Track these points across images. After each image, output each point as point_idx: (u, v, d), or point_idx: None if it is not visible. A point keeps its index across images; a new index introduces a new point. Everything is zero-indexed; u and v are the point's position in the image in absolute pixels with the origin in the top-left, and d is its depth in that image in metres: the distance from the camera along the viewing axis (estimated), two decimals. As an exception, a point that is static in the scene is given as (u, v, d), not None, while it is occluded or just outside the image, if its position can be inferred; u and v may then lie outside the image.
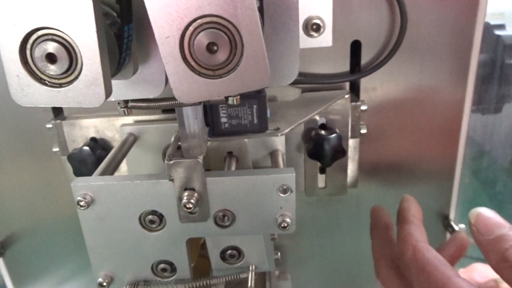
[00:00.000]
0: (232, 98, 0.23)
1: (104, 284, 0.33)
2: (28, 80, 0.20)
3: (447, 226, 0.50)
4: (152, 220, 0.32)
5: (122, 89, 0.26)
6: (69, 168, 0.42)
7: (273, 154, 0.41)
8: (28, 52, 0.20)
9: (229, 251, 0.35)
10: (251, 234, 0.33)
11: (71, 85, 0.20)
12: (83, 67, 0.20)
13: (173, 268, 0.34)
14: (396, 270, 0.37)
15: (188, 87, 0.21)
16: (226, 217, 0.32)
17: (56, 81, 0.20)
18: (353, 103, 0.43)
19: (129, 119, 0.43)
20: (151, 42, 0.24)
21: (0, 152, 0.46)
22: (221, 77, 0.21)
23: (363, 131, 0.44)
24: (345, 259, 0.53)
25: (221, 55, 0.20)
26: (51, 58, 0.19)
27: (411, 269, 0.33)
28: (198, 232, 0.33)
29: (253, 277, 0.34)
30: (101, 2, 0.21)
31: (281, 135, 0.36)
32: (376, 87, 0.44)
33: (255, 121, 0.36)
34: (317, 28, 0.38)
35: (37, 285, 0.54)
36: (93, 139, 0.44)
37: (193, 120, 0.30)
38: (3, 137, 0.46)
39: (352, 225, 0.51)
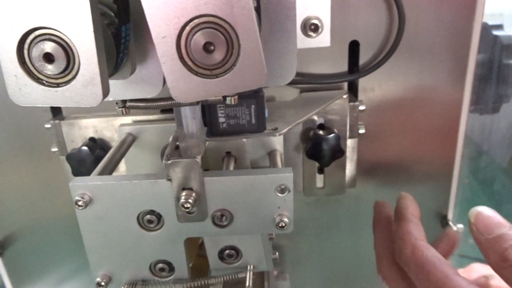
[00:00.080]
0: (230, 98, 0.23)
1: (102, 283, 0.33)
2: (25, 80, 0.20)
3: (446, 226, 0.50)
4: (150, 219, 0.32)
5: (120, 89, 0.26)
6: (68, 168, 0.42)
7: (271, 154, 0.41)
8: (25, 51, 0.20)
9: (227, 251, 0.35)
10: (249, 234, 0.33)
11: (68, 85, 0.20)
12: (81, 67, 0.20)
13: (171, 268, 0.34)
14: (398, 265, 0.37)
15: (185, 86, 0.21)
16: (224, 217, 0.32)
17: (54, 80, 0.20)
18: (351, 103, 0.43)
19: (128, 119, 0.43)
20: (149, 42, 0.24)
21: (-1, 152, 0.47)
22: (217, 77, 0.21)
23: (361, 131, 0.44)
24: (343, 259, 0.53)
25: (218, 55, 0.20)
26: (48, 58, 0.20)
27: (411, 267, 0.33)
28: (196, 231, 0.33)
29: (251, 276, 0.34)
30: (99, 2, 0.21)
31: (279, 135, 0.36)
32: (374, 87, 0.44)
33: (253, 121, 0.36)
34: (315, 28, 0.38)
35: (36, 285, 0.54)
36: (91, 139, 0.44)
37: (191, 120, 0.30)
38: (1, 137, 0.46)
39: (351, 225, 0.51)
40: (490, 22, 0.56)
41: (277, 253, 0.44)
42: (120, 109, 0.26)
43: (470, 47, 0.42)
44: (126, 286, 0.34)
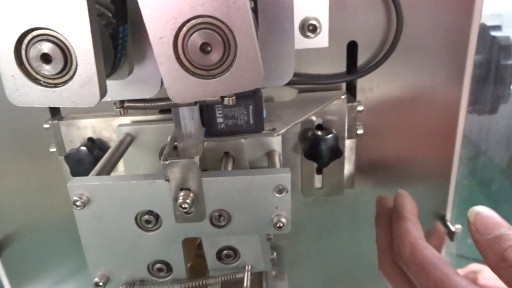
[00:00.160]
0: (227, 98, 0.23)
1: (100, 284, 0.33)
2: (23, 80, 0.20)
3: (444, 227, 0.50)
4: (148, 220, 0.32)
5: (118, 89, 0.26)
6: (66, 168, 0.42)
7: (269, 154, 0.41)
8: (23, 52, 0.20)
9: (225, 251, 0.35)
10: (247, 234, 0.33)
11: (66, 85, 0.20)
12: (78, 67, 0.20)
13: (169, 268, 0.34)
14: None
15: (182, 87, 0.21)
16: (222, 217, 0.32)
17: (51, 81, 0.20)
18: (350, 104, 0.43)
19: (126, 120, 0.43)
20: (147, 42, 0.24)
21: (-2, 152, 0.47)
22: (214, 77, 0.21)
23: (360, 131, 0.44)
24: (342, 259, 0.53)
25: (215, 56, 0.20)
26: (46, 58, 0.20)
27: (410, 267, 0.33)
28: (194, 232, 0.33)
29: (249, 277, 0.34)
30: (96, 3, 0.21)
31: (277, 135, 0.37)
32: (373, 88, 0.44)
33: (251, 121, 0.36)
34: (314, 29, 0.38)
35: (35, 285, 0.55)
36: (90, 139, 0.44)
37: (189, 120, 0.30)
38: (0, 137, 0.46)
39: (349, 225, 0.51)
40: (489, 23, 0.56)
41: (275, 254, 0.44)
42: (118, 109, 0.26)
43: (468, 48, 0.42)
44: (124, 286, 0.34)
